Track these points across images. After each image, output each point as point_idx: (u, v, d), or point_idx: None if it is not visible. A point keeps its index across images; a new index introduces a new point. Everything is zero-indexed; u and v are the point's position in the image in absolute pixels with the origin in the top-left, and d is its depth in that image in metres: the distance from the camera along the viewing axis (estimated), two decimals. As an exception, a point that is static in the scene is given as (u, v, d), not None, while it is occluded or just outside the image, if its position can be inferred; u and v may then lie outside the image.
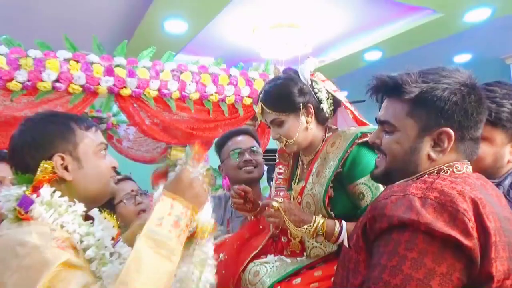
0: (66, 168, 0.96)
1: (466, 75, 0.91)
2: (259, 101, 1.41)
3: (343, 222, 1.25)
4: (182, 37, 4.27)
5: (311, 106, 1.38)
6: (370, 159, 1.28)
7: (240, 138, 1.96)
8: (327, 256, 1.34)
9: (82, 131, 1.00)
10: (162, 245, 0.85)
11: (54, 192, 0.92)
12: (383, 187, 1.17)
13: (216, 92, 3.18)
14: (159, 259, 0.84)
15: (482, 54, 5.48)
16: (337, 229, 1.23)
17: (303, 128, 1.38)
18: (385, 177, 0.97)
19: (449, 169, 0.89)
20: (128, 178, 1.90)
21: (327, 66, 5.47)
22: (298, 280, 1.28)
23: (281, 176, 1.42)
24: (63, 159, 0.95)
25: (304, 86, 1.38)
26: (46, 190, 0.91)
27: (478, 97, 0.89)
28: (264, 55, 4.56)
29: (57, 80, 2.66)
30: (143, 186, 2.03)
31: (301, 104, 1.36)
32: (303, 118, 1.38)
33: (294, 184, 1.47)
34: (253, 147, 1.93)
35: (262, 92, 1.41)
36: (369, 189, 1.27)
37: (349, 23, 4.52)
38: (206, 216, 0.99)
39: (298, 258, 1.38)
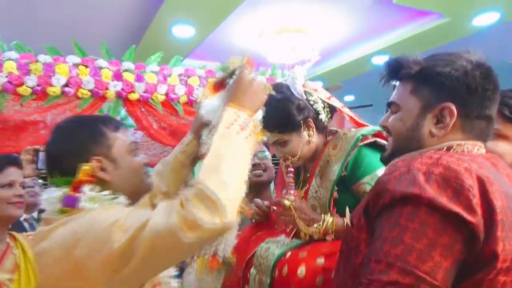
0: (103, 170, 0.99)
1: (475, 54, 0.89)
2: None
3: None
4: (189, 42, 4.30)
5: (311, 120, 1.39)
6: (371, 158, 1.31)
7: None
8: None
9: (112, 133, 1.03)
10: (234, 143, 0.94)
11: (93, 189, 0.96)
12: None
13: (223, 97, 3.19)
14: (234, 151, 0.93)
15: (491, 59, 5.42)
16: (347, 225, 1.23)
17: (305, 142, 1.40)
18: (392, 158, 0.96)
19: (459, 148, 0.86)
20: None
21: (335, 70, 5.47)
22: (308, 247, 1.29)
23: (291, 175, 1.40)
24: (99, 161, 0.98)
25: (300, 102, 1.38)
26: (87, 188, 0.95)
27: (485, 74, 0.86)
28: (271, 60, 4.57)
29: (66, 85, 2.69)
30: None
31: (301, 121, 1.37)
32: (305, 133, 1.39)
33: (298, 189, 1.48)
34: (261, 151, 1.92)
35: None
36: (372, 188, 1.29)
37: (356, 27, 4.52)
38: (259, 115, 1.10)
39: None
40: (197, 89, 3.10)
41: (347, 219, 0.95)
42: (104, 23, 4.01)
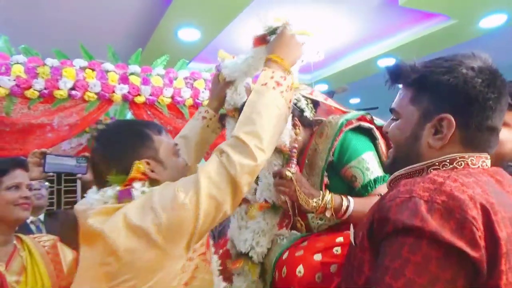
0: (153, 171, 1.05)
1: (479, 59, 0.84)
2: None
3: (350, 197, 1.27)
4: (195, 45, 4.32)
5: (296, 119, 1.42)
6: (356, 142, 1.34)
7: None
8: (331, 227, 1.38)
9: (157, 136, 1.09)
10: (269, 96, 1.06)
11: (145, 183, 1.02)
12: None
13: (228, 99, 3.19)
14: (268, 104, 1.05)
15: (498, 61, 5.38)
16: (344, 203, 1.24)
17: (292, 140, 1.41)
18: (392, 166, 0.94)
19: (463, 161, 0.82)
20: None
21: (340, 72, 5.46)
22: (304, 243, 1.31)
23: (294, 150, 1.40)
24: (148, 164, 1.04)
25: None
26: (138, 184, 1.01)
27: (488, 82, 0.80)
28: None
29: (73, 88, 2.71)
30: None
31: None
32: (292, 133, 1.41)
33: None
34: None
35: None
36: (360, 171, 1.31)
37: (362, 30, 4.51)
38: (296, 70, 1.22)
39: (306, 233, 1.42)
40: (203, 92, 3.11)
41: (351, 237, 0.95)
42: (111, 26, 4.04)
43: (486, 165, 0.84)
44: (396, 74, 0.91)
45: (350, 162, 1.32)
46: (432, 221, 0.70)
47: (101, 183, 1.05)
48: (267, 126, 1.02)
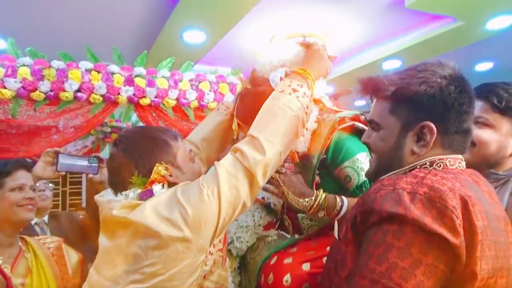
0: (171, 175, 1.08)
1: (448, 68, 0.90)
2: (235, 117, 1.39)
3: (344, 197, 1.24)
4: (200, 48, 4.32)
5: None
6: (350, 143, 1.32)
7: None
8: (322, 229, 1.35)
9: (174, 142, 1.13)
10: (284, 99, 1.11)
11: (163, 186, 1.06)
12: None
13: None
14: (283, 105, 1.10)
15: (505, 63, 5.35)
16: (338, 203, 1.22)
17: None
18: (376, 175, 0.98)
19: (442, 162, 0.88)
20: None
21: (345, 75, 5.44)
22: (294, 249, 1.28)
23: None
24: (167, 169, 1.08)
25: None
26: (158, 186, 1.05)
27: (460, 88, 0.87)
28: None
29: (78, 90, 2.72)
30: None
31: None
32: (307, 143, 1.38)
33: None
34: None
35: (236, 109, 1.40)
36: (354, 171, 1.29)
37: (367, 32, 4.50)
38: (321, 87, 1.27)
39: (297, 236, 1.39)
40: (208, 94, 3.11)
41: (335, 232, 0.95)
42: (116, 29, 4.06)
43: (462, 166, 0.91)
44: (373, 88, 0.95)
45: (344, 162, 1.30)
46: (415, 209, 0.75)
47: (120, 187, 1.08)
48: (279, 124, 1.07)
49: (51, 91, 2.65)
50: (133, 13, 3.79)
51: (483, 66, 5.61)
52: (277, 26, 4.25)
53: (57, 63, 2.70)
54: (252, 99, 1.36)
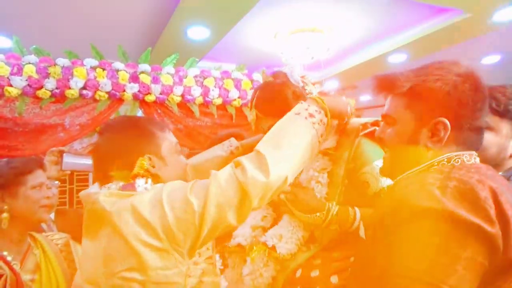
0: (154, 167, 1.06)
1: (462, 66, 0.91)
2: (253, 108, 1.38)
3: (356, 208, 1.22)
4: (204, 44, 4.31)
5: None
6: (370, 148, 1.29)
7: None
8: (340, 237, 1.29)
9: (160, 133, 1.11)
10: (300, 123, 1.06)
11: (147, 181, 1.03)
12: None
13: (239, 97, 3.20)
14: (296, 128, 1.05)
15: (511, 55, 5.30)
16: (351, 215, 1.19)
17: None
18: (390, 171, 1.00)
19: (459, 158, 0.89)
20: None
21: (351, 69, 5.42)
22: (318, 261, 1.25)
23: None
24: (150, 159, 1.05)
25: (297, 89, 1.37)
26: (141, 181, 1.02)
27: (475, 86, 0.89)
28: (285, 60, 4.56)
29: (84, 88, 2.73)
30: None
31: None
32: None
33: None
34: None
35: (255, 99, 1.39)
36: (373, 177, 1.26)
37: (372, 26, 4.46)
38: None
39: (311, 245, 1.33)
40: (212, 90, 3.10)
41: (360, 232, 0.93)
42: (120, 26, 4.06)
43: (478, 161, 0.92)
44: (389, 85, 0.96)
45: (364, 168, 1.27)
46: (448, 202, 0.75)
47: (104, 179, 1.05)
48: (290, 147, 1.00)
49: (56, 88, 2.66)
50: (137, 10, 3.79)
51: (490, 59, 5.55)
52: (281, 22, 4.23)
53: (62, 61, 2.70)
54: (272, 90, 1.37)
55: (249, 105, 1.43)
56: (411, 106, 0.93)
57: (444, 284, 0.71)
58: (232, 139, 1.54)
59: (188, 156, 4.44)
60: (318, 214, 1.21)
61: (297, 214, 1.24)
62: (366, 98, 7.51)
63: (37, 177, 1.47)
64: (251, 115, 1.41)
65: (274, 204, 1.44)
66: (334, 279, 1.18)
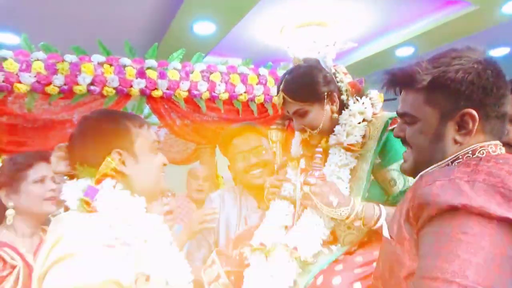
0: (123, 163, 1.03)
1: (479, 52, 0.88)
2: (281, 91, 1.35)
3: (381, 205, 1.18)
4: (210, 39, 4.32)
5: (335, 95, 1.34)
6: (397, 144, 1.24)
7: (241, 138, 1.78)
8: (362, 240, 1.28)
9: (136, 129, 1.07)
10: None
11: (115, 184, 1.00)
12: None
13: (245, 92, 3.19)
14: None
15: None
16: (376, 213, 1.16)
17: (328, 117, 1.34)
18: (415, 170, 0.95)
19: (483, 150, 0.85)
20: None
21: (357, 63, 5.38)
22: (340, 267, 1.21)
23: (319, 155, 1.32)
24: (120, 154, 1.02)
25: (328, 74, 1.34)
26: (108, 183, 0.99)
27: (496, 72, 0.86)
28: (292, 55, 4.53)
29: (92, 83, 2.75)
30: (174, 187, 2.03)
31: (325, 93, 1.32)
32: (327, 107, 1.34)
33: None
34: (257, 146, 1.74)
35: (284, 82, 1.36)
36: (400, 175, 1.23)
37: (379, 18, 4.43)
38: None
39: (333, 246, 1.30)
40: (219, 85, 3.11)
41: (384, 232, 0.90)
42: (127, 22, 4.07)
43: (503, 151, 0.88)
44: (407, 79, 0.91)
45: (391, 165, 1.24)
46: (478, 197, 0.70)
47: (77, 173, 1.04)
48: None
49: (64, 84, 2.68)
50: (143, 6, 3.80)
51: (499, 52, 5.49)
52: (287, 16, 4.21)
53: (70, 57, 2.72)
54: (302, 73, 1.35)
55: (276, 88, 1.40)
56: (432, 101, 0.88)
57: (479, 285, 0.66)
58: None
59: (195, 151, 4.43)
60: (342, 209, 1.17)
61: (320, 208, 1.20)
62: (371, 93, 7.46)
63: (39, 171, 1.48)
64: (278, 99, 1.37)
65: (295, 201, 1.43)
66: (357, 287, 1.14)
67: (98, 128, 1.05)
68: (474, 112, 0.84)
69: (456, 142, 0.87)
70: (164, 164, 1.14)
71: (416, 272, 0.75)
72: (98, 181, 0.99)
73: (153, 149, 1.10)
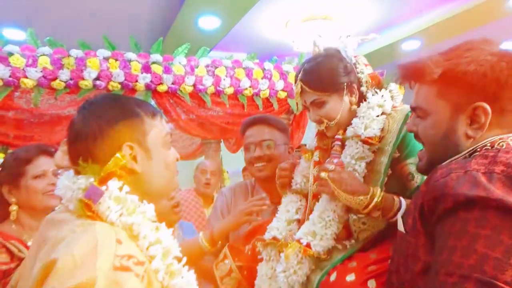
0: (134, 159, 0.87)
1: (494, 44, 0.84)
2: (299, 80, 1.31)
3: (401, 198, 1.15)
4: (215, 33, 4.31)
5: (355, 86, 1.30)
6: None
7: (253, 129, 1.73)
8: (377, 237, 1.24)
9: (149, 119, 0.91)
10: None
11: (122, 186, 0.83)
12: None
13: (250, 87, 3.19)
14: None
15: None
16: (396, 204, 1.12)
17: (346, 109, 1.29)
18: (430, 167, 0.90)
19: (503, 142, 0.81)
20: None
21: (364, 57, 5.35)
22: (353, 264, 1.18)
23: (338, 143, 1.28)
24: (131, 148, 0.86)
25: (348, 64, 1.30)
26: (114, 184, 0.82)
27: (511, 64, 0.81)
28: (297, 49, 4.52)
29: (97, 78, 2.76)
30: (179, 182, 2.01)
31: (345, 84, 1.28)
32: (346, 98, 1.29)
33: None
34: (265, 140, 1.69)
35: (302, 71, 1.32)
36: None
37: (385, 12, 4.39)
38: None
39: (346, 242, 1.26)
40: (224, 79, 3.11)
41: (399, 226, 0.88)
42: (132, 16, 4.07)
43: None
44: (418, 73, 0.88)
45: (409, 159, 1.20)
46: (495, 189, 0.68)
47: (76, 168, 0.87)
48: None
49: (70, 79, 2.69)
50: (148, 1, 3.80)
51: (507, 45, 5.43)
52: (292, 10, 4.19)
53: (76, 52, 2.73)
54: (321, 62, 1.30)
55: (295, 77, 1.36)
56: (444, 94, 0.85)
57: (498, 281, 0.63)
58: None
59: (201, 146, 4.43)
60: (361, 197, 1.12)
61: (338, 195, 1.15)
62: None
63: (38, 165, 1.45)
64: (296, 88, 1.33)
65: (307, 195, 1.40)
66: (371, 284, 1.11)
67: (105, 116, 0.87)
68: (486, 106, 0.80)
69: (468, 137, 0.84)
70: (177, 160, 1.00)
71: (432, 267, 0.73)
72: (103, 181, 0.82)
73: (166, 143, 0.95)
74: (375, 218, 1.18)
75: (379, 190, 1.13)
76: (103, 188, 0.81)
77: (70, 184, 0.83)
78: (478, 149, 0.82)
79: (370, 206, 1.11)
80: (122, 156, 0.83)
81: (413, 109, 0.94)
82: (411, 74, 0.91)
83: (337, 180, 1.16)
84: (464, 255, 0.67)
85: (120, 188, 0.82)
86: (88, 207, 0.80)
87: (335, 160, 1.23)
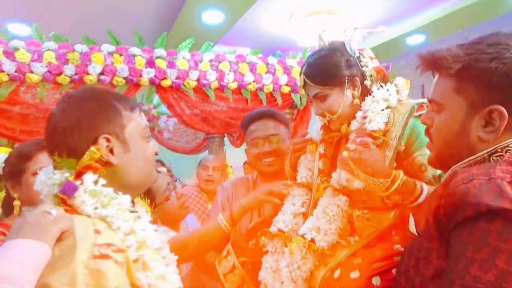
0: (111, 151, 0.88)
1: None
2: (302, 73, 1.33)
3: (423, 183, 1.12)
4: (219, 28, 4.30)
5: (358, 80, 1.30)
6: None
7: (258, 123, 1.72)
8: (381, 234, 1.23)
9: (128, 112, 0.92)
10: None
11: (98, 179, 0.84)
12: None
13: (254, 81, 3.20)
14: None
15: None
16: (418, 189, 1.08)
17: (348, 102, 1.30)
18: (440, 163, 0.89)
19: None
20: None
21: (367, 52, 5.32)
22: (358, 260, 1.17)
23: (364, 121, 1.26)
24: (108, 141, 0.87)
25: (351, 58, 1.30)
26: (89, 177, 0.83)
27: None
28: (301, 44, 4.51)
29: (102, 73, 2.77)
30: (183, 177, 2.01)
31: (347, 77, 1.28)
32: (348, 92, 1.30)
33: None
34: (273, 134, 1.69)
35: (305, 65, 1.34)
36: None
37: (390, 6, 4.37)
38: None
39: (350, 238, 1.26)
40: (228, 74, 3.11)
41: (410, 226, 0.86)
42: (136, 11, 4.08)
43: None
44: (434, 64, 0.83)
45: (420, 150, 1.19)
46: None
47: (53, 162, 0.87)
48: None
49: (75, 74, 2.71)
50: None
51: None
52: (296, 4, 4.17)
53: (80, 47, 2.75)
54: (324, 56, 1.32)
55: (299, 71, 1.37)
56: (461, 90, 0.79)
57: None
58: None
59: (205, 140, 4.44)
60: (381, 180, 1.09)
61: (357, 175, 1.13)
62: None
63: (39, 162, 1.43)
64: (299, 81, 1.35)
65: (311, 188, 1.40)
66: (375, 281, 1.10)
67: (82, 108, 0.87)
68: (502, 109, 0.74)
69: (481, 140, 0.78)
70: (156, 154, 1.00)
71: (446, 276, 0.70)
72: (79, 175, 0.83)
73: (145, 136, 0.95)
74: (379, 214, 1.18)
75: (401, 173, 1.09)
76: (78, 182, 0.82)
77: (46, 180, 0.85)
78: (499, 150, 0.77)
79: (391, 190, 1.08)
80: (97, 149, 0.84)
81: (429, 101, 0.90)
82: (429, 65, 0.86)
83: (357, 160, 1.13)
84: (482, 268, 0.63)
85: (96, 182, 0.83)
86: (64, 202, 0.81)
87: (358, 140, 1.20)
